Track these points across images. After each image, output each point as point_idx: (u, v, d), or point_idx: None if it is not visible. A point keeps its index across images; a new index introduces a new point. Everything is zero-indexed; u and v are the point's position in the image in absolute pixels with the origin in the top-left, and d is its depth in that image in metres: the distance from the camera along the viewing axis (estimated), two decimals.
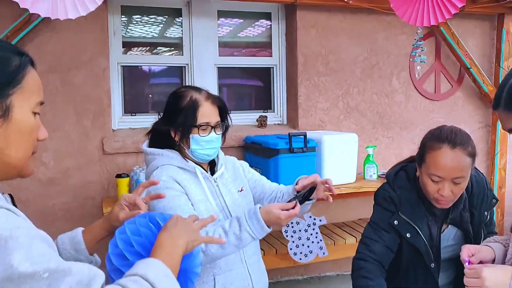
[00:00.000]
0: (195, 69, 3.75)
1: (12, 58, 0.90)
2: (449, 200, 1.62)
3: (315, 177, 1.71)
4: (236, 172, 1.86)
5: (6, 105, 0.88)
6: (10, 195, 1.62)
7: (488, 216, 1.75)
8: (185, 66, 3.77)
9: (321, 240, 1.60)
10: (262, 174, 3.38)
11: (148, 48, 3.80)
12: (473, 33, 4.38)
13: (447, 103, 4.39)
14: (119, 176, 3.18)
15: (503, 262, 1.39)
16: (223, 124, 1.75)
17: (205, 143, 1.68)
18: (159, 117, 1.77)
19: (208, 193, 1.70)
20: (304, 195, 1.65)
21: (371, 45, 4.06)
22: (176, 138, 1.71)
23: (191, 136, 1.67)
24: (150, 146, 1.78)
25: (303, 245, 1.60)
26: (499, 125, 4.39)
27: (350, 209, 4.07)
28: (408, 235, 1.69)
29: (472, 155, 1.59)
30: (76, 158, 3.35)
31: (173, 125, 1.69)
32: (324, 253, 1.62)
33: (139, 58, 3.73)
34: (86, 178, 3.37)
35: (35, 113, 0.94)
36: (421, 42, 3.88)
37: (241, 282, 1.73)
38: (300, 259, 1.60)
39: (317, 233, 1.61)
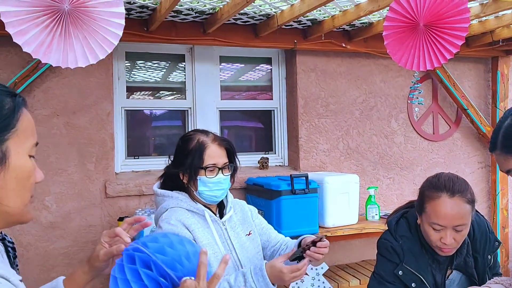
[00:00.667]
0: (197, 112, 3.82)
1: (4, 100, 0.84)
2: (452, 248, 1.62)
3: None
4: (245, 215, 1.88)
5: (2, 152, 0.81)
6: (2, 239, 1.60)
7: (492, 259, 1.75)
8: (187, 110, 3.84)
9: (331, 287, 1.60)
10: (264, 215, 3.38)
11: (151, 92, 3.88)
12: (469, 75, 4.49)
13: (446, 144, 4.44)
14: (121, 219, 3.18)
15: None
16: (231, 165, 1.77)
17: (213, 184, 1.71)
18: (170, 160, 1.81)
19: (216, 236, 1.71)
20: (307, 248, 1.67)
21: (369, 88, 4.15)
22: (185, 181, 1.74)
23: (198, 178, 1.70)
24: (161, 188, 1.81)
25: None
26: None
27: (353, 251, 4.04)
28: (413, 284, 1.68)
29: (472, 202, 1.60)
30: (78, 201, 3.35)
31: (181, 167, 1.73)
32: None
33: (142, 102, 3.81)
34: (87, 222, 3.36)
35: (30, 156, 0.88)
36: (418, 85, 3.97)
37: None
38: None
39: (323, 282, 1.61)
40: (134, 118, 3.80)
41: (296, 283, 1.62)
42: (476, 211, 1.78)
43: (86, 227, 3.36)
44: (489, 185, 4.57)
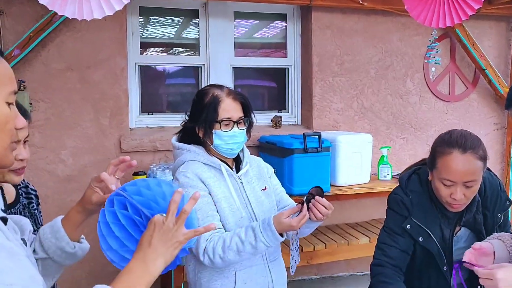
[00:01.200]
0: (211, 69, 3.80)
1: None
2: (462, 203, 1.63)
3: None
4: (261, 171, 1.90)
5: None
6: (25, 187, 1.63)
7: (502, 218, 1.75)
8: (201, 67, 3.82)
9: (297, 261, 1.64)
10: (276, 174, 3.40)
11: (164, 48, 3.86)
12: (489, 34, 4.37)
13: (462, 105, 4.38)
14: (136, 173, 3.23)
15: (507, 260, 1.39)
16: (246, 120, 1.78)
17: (228, 138, 1.72)
18: (186, 116, 1.82)
19: (232, 190, 1.74)
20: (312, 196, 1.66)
21: (385, 46, 4.07)
22: (200, 135, 1.75)
23: (214, 131, 1.72)
24: (179, 140, 1.84)
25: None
26: None
27: (364, 210, 4.08)
28: (420, 238, 1.71)
29: (483, 159, 1.59)
30: (93, 155, 3.41)
31: (197, 122, 1.74)
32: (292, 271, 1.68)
33: (156, 58, 3.79)
34: None
35: (9, 104, 0.90)
36: (435, 44, 3.88)
37: (261, 278, 1.77)
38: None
39: (296, 255, 1.64)
40: (148, 75, 3.79)
41: None
42: (489, 170, 1.78)
43: None
44: (503, 147, 4.54)
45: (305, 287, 3.93)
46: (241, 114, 1.75)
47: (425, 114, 4.26)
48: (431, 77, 4.23)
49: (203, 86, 3.76)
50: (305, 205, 1.60)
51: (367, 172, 3.60)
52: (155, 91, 3.87)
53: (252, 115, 1.81)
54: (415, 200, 1.74)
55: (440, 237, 1.71)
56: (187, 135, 1.81)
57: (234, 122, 1.72)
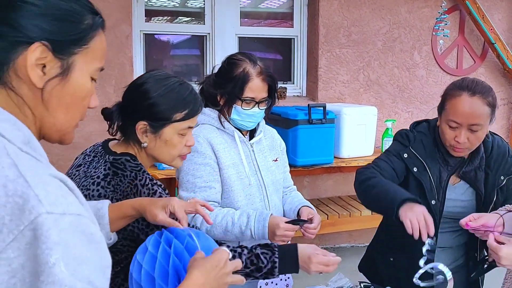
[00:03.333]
0: (216, 39, 3.76)
1: (86, 15, 0.82)
2: (464, 148, 1.64)
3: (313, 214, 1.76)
4: (274, 143, 1.89)
5: (67, 64, 0.80)
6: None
7: (505, 182, 1.74)
8: (206, 36, 3.78)
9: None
10: None
11: (169, 18, 3.81)
12: (499, 7, 4.29)
13: None
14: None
15: None
16: (269, 100, 1.75)
17: (246, 116, 1.70)
18: (212, 77, 1.76)
19: (243, 156, 1.74)
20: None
21: (393, 18, 4.01)
22: (221, 103, 1.73)
23: (234, 106, 1.69)
24: None
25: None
26: None
27: None
28: (415, 169, 1.72)
29: (491, 106, 1.61)
30: (98, 123, 3.37)
31: (221, 90, 1.71)
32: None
33: (161, 26, 3.75)
34: None
35: (92, 79, 0.87)
36: (445, 16, 3.83)
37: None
38: None
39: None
40: (153, 45, 3.77)
41: None
42: (502, 138, 1.81)
43: None
44: (509, 123, 4.51)
45: None
46: (265, 95, 1.71)
47: (431, 88, 4.23)
48: (439, 50, 4.18)
49: (208, 58, 3.77)
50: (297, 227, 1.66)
51: (371, 145, 3.60)
52: (160, 61, 3.85)
53: (276, 96, 1.77)
54: (420, 137, 1.76)
55: (437, 176, 1.71)
56: (206, 97, 1.78)
57: (256, 102, 1.69)
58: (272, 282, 1.73)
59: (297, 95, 4.08)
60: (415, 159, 1.72)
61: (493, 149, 1.74)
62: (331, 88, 3.93)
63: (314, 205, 3.87)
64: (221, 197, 1.72)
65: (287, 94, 3.93)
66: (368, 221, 3.50)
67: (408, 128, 1.84)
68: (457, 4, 4.11)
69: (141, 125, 1.34)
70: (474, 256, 1.81)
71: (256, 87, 1.67)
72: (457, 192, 1.75)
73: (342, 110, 3.46)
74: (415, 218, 1.43)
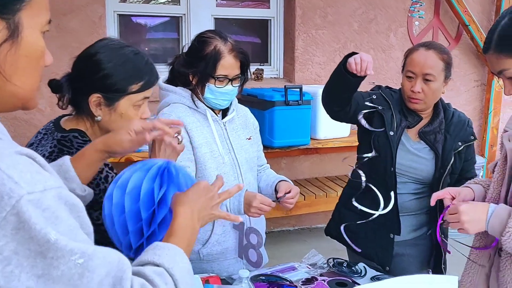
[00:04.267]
0: (192, 20, 3.71)
1: None
2: (420, 99, 1.80)
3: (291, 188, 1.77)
4: (248, 122, 1.89)
5: (14, 24, 0.73)
6: None
7: (462, 148, 1.87)
8: (182, 17, 3.73)
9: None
10: None
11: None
12: None
13: None
14: None
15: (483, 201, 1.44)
16: (242, 77, 1.74)
17: (220, 94, 1.69)
18: (182, 55, 1.74)
19: (216, 135, 1.73)
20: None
21: None
22: (193, 82, 1.71)
23: (207, 84, 1.67)
24: (167, 82, 1.79)
25: None
26: (494, 84, 4.42)
27: (343, 163, 4.13)
28: (380, 107, 1.88)
29: (446, 62, 1.79)
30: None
31: (193, 69, 1.69)
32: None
33: (135, 7, 3.68)
34: None
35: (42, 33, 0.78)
36: None
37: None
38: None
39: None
40: (128, 28, 3.70)
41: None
42: (465, 115, 1.96)
43: None
44: (482, 104, 4.60)
45: (283, 238, 4.02)
46: (238, 72, 1.70)
47: None
48: (414, 31, 4.21)
49: (184, 41, 3.72)
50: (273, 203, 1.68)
51: (347, 126, 3.63)
52: (136, 44, 3.78)
53: (249, 72, 1.76)
54: (391, 91, 1.96)
55: (398, 118, 1.86)
56: (176, 77, 1.76)
57: (230, 80, 1.68)
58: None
59: (274, 77, 4.07)
60: (382, 100, 1.90)
61: (453, 117, 1.90)
62: (307, 69, 3.93)
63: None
64: (195, 176, 1.71)
65: (263, 76, 3.92)
66: None
67: None
68: None
69: (94, 98, 1.27)
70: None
71: (228, 64, 1.66)
72: (416, 148, 1.87)
73: (318, 91, 3.45)
74: (359, 56, 1.65)
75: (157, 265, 0.84)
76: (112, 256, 0.73)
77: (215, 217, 1.09)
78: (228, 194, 1.13)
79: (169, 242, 0.92)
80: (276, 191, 1.80)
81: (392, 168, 1.85)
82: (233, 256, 1.80)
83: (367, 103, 1.83)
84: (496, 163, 1.42)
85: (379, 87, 2.02)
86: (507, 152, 1.35)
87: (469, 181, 1.57)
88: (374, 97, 1.91)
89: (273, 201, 1.69)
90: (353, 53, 1.71)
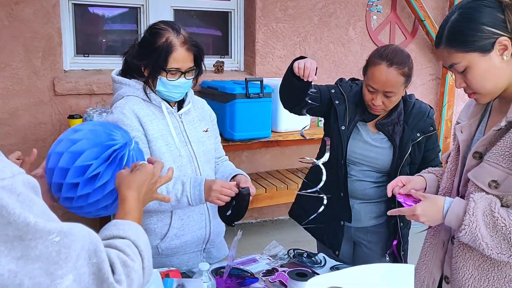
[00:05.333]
0: (150, 11, 3.64)
1: None
2: (380, 109, 1.86)
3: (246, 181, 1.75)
4: (205, 114, 1.86)
5: None
6: None
7: (421, 139, 1.90)
8: (140, 7, 3.65)
9: (234, 248, 1.67)
10: (218, 119, 3.39)
11: None
12: None
13: None
14: (71, 117, 3.11)
15: (436, 192, 1.49)
16: (196, 69, 1.70)
17: (172, 87, 1.65)
18: (135, 47, 1.69)
19: (172, 128, 1.69)
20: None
21: None
22: (145, 73, 1.67)
23: (159, 77, 1.64)
24: (120, 74, 1.74)
25: None
26: (448, 78, 4.56)
27: (303, 155, 4.16)
28: (336, 101, 1.94)
29: (406, 75, 1.80)
30: (25, 98, 3.23)
31: (144, 62, 1.64)
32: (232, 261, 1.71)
33: None
34: (36, 119, 3.28)
35: None
36: None
37: (199, 216, 1.78)
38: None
39: (234, 248, 1.67)
40: (85, 18, 3.59)
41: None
42: (429, 106, 1.99)
43: (36, 125, 3.28)
44: (437, 97, 4.74)
45: (246, 231, 4.02)
46: (191, 65, 1.67)
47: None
48: (372, 26, 4.29)
49: (143, 30, 3.61)
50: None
51: (308, 119, 3.64)
52: (92, 34, 3.68)
53: (203, 65, 1.73)
54: (351, 85, 2.01)
55: (352, 113, 1.91)
56: (130, 69, 1.72)
57: (182, 73, 1.64)
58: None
59: (235, 69, 4.06)
60: (339, 94, 1.96)
61: (413, 108, 1.93)
62: (268, 62, 3.94)
63: (252, 179, 3.90)
64: (142, 159, 1.67)
65: (224, 68, 3.90)
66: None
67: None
68: None
69: None
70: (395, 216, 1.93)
71: (180, 57, 1.62)
72: (374, 139, 1.93)
73: (279, 84, 3.47)
74: (302, 62, 1.71)
75: (123, 238, 0.91)
76: (83, 231, 0.78)
77: (155, 199, 1.18)
78: (168, 178, 1.21)
79: None
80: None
81: (342, 160, 1.93)
82: (193, 250, 1.79)
83: (306, 98, 1.83)
84: (449, 154, 1.46)
85: (340, 80, 2.05)
86: (459, 143, 1.39)
87: (423, 170, 1.62)
88: (333, 91, 1.97)
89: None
90: (302, 57, 1.78)
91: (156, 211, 1.67)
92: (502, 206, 1.24)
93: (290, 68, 1.77)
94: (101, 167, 1.13)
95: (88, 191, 1.12)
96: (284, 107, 2.01)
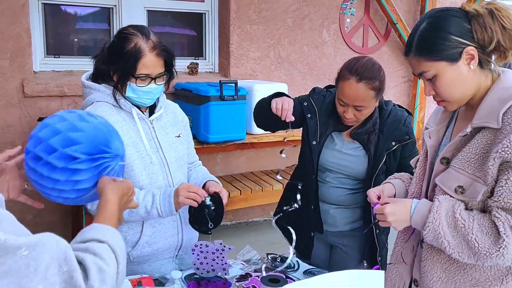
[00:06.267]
0: (123, 11, 3.59)
1: None
2: (352, 121, 1.87)
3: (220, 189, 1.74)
4: (177, 119, 1.83)
5: None
6: None
7: (396, 148, 1.89)
8: (112, 8, 3.60)
9: (225, 263, 1.66)
10: (192, 121, 3.37)
11: None
12: None
13: (374, 57, 4.46)
14: (41, 119, 3.04)
15: (405, 197, 1.51)
16: (167, 74, 1.67)
17: (142, 93, 1.62)
18: (105, 50, 1.65)
19: (143, 134, 1.66)
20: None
21: None
22: (114, 79, 1.63)
23: (128, 83, 1.60)
24: (91, 78, 1.70)
25: (207, 263, 1.67)
26: (420, 80, 4.64)
27: (278, 157, 4.16)
28: (308, 115, 1.95)
29: (377, 89, 1.79)
30: None
31: (113, 67, 1.61)
32: (226, 274, 1.70)
33: None
34: (5, 122, 3.20)
35: None
36: None
37: (171, 223, 1.76)
38: (202, 273, 1.68)
39: (223, 257, 1.66)
40: (55, 17, 3.52)
41: (201, 246, 1.66)
42: (406, 110, 1.98)
43: (4, 127, 3.20)
44: (409, 99, 4.82)
45: (220, 234, 4.01)
46: (161, 70, 1.63)
47: (339, 66, 4.22)
48: (346, 28, 4.33)
49: (116, 30, 3.57)
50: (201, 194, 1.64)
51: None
52: (63, 34, 3.61)
53: (174, 70, 1.69)
54: (324, 94, 2.00)
55: (324, 125, 1.93)
56: (100, 73, 1.68)
57: (152, 78, 1.61)
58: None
59: (209, 71, 4.04)
60: (311, 107, 1.96)
61: (389, 116, 1.91)
62: (242, 64, 3.94)
63: (227, 181, 3.91)
64: (122, 177, 1.65)
65: (199, 70, 3.88)
66: (280, 194, 3.58)
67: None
68: None
69: None
70: (370, 221, 1.94)
71: (150, 63, 1.59)
72: (349, 147, 1.93)
73: (253, 86, 3.49)
74: (280, 101, 1.77)
75: (102, 242, 0.93)
76: (51, 241, 0.79)
77: (130, 207, 1.23)
78: (134, 205, 1.25)
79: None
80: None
81: (313, 175, 1.95)
82: (165, 257, 1.77)
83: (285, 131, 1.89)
84: (418, 159, 1.48)
85: (313, 90, 2.04)
86: (427, 149, 1.42)
87: (389, 176, 1.64)
88: (305, 104, 1.97)
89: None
90: (279, 93, 1.84)
91: (126, 221, 1.64)
92: (466, 209, 1.27)
93: (268, 103, 1.81)
94: (85, 164, 1.12)
95: (60, 178, 1.11)
96: (257, 127, 2.05)
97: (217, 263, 1.66)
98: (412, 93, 4.79)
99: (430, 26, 1.25)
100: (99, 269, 0.86)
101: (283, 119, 1.76)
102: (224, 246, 1.63)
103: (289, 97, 1.90)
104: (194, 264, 1.66)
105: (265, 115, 1.89)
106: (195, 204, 1.62)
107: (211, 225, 1.65)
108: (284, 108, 1.74)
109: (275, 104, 1.76)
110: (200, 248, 1.64)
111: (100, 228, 0.98)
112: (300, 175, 2.03)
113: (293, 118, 1.76)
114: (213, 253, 1.65)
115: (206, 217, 1.64)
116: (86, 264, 0.84)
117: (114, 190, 1.11)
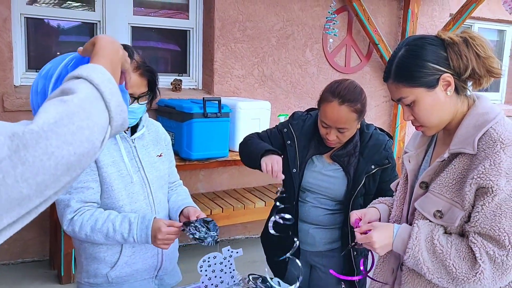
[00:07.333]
0: (107, 27, 3.59)
1: None
2: (335, 143, 1.90)
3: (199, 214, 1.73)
4: (159, 138, 1.82)
5: None
6: None
7: (375, 171, 1.91)
8: (96, 23, 3.60)
9: (233, 270, 1.66)
10: (175, 138, 3.36)
11: (56, 1, 3.56)
12: (383, 11, 4.61)
13: (356, 77, 4.61)
14: None
15: (388, 221, 1.53)
16: (150, 94, 1.67)
17: None
18: None
19: (124, 154, 1.65)
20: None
21: (287, 15, 4.13)
22: None
23: None
24: None
25: (215, 276, 1.65)
26: None
27: (261, 175, 4.15)
28: (288, 142, 1.98)
29: (359, 112, 1.82)
30: None
31: None
32: (234, 281, 1.68)
33: (45, 10, 3.49)
34: None
35: None
36: (334, 16, 4.02)
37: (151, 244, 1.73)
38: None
39: (231, 264, 1.65)
40: (38, 30, 3.50)
41: (208, 260, 1.65)
42: (388, 134, 2.01)
43: None
44: (390, 118, 4.89)
45: (201, 251, 3.98)
46: (144, 90, 1.63)
47: (322, 85, 4.41)
48: (328, 48, 4.39)
49: None
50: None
51: None
52: (45, 47, 3.58)
53: (157, 90, 1.70)
54: (304, 118, 2.03)
55: (303, 150, 1.96)
56: None
57: (135, 98, 1.61)
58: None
59: (193, 88, 4.05)
60: (290, 134, 1.99)
61: (370, 140, 1.94)
62: (226, 82, 3.95)
63: (209, 198, 3.87)
64: (101, 196, 1.63)
65: (182, 87, 3.88)
66: (262, 212, 3.58)
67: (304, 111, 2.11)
68: (346, 5, 4.34)
69: None
70: (348, 242, 1.95)
71: (133, 83, 1.58)
72: (329, 169, 1.96)
73: (237, 104, 3.50)
74: (270, 161, 1.80)
75: (76, 77, 0.85)
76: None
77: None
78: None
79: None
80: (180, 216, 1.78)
81: (294, 201, 1.97)
82: (144, 277, 1.75)
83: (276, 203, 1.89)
84: (398, 182, 1.50)
85: (293, 115, 2.07)
86: (407, 173, 1.44)
87: (374, 200, 1.65)
88: (285, 130, 2.01)
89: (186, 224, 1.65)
90: (268, 150, 1.87)
91: (103, 244, 1.62)
92: (446, 233, 1.29)
93: (257, 159, 1.86)
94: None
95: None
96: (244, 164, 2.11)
97: (225, 272, 1.66)
98: (393, 112, 4.86)
99: (408, 54, 1.28)
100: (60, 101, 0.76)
101: (273, 178, 1.81)
102: (232, 252, 1.62)
103: (278, 153, 1.91)
104: (203, 283, 1.64)
105: (253, 165, 1.96)
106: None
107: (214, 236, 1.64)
108: (274, 170, 1.79)
109: (265, 166, 1.82)
110: (208, 261, 1.63)
111: (88, 67, 0.88)
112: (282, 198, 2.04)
113: (283, 177, 1.81)
114: (221, 263, 1.64)
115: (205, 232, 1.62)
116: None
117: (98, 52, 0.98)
